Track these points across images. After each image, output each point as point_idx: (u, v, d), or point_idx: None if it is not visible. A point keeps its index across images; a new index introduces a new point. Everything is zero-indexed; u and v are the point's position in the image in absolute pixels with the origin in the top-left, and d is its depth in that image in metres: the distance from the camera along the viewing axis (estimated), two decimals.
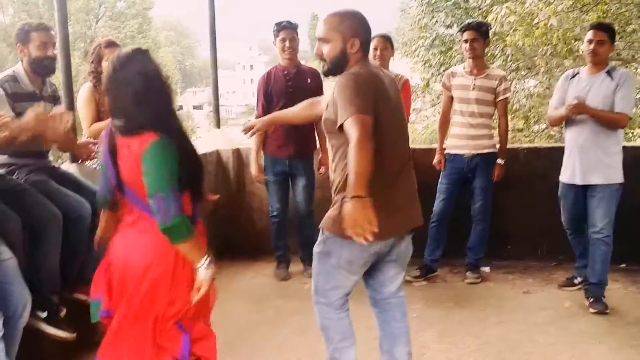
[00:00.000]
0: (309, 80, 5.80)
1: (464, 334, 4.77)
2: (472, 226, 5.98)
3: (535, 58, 12.26)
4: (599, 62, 5.15)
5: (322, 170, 6.06)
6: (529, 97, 14.34)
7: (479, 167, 5.80)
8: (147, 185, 2.80)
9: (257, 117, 5.69)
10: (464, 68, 5.90)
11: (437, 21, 17.41)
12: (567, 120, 5.27)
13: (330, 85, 3.30)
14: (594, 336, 4.68)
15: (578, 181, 5.20)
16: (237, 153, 6.98)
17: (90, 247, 4.13)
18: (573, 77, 5.31)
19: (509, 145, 6.08)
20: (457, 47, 15.45)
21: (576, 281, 5.64)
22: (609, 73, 5.11)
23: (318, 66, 3.68)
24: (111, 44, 4.90)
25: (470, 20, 6.47)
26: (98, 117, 4.85)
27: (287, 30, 5.85)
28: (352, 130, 2.90)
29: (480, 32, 5.75)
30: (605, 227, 5.11)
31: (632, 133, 12.13)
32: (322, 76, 5.40)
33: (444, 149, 6.00)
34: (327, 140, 3.34)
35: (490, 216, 5.94)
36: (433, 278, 6.05)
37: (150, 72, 2.87)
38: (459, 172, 5.88)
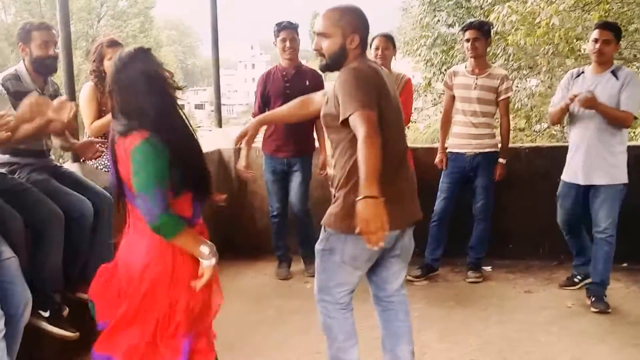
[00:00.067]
0: (307, 82, 5.75)
1: (466, 333, 4.77)
2: (474, 225, 5.98)
3: (537, 57, 12.26)
4: (605, 61, 5.13)
5: (324, 171, 6.04)
6: (530, 97, 14.34)
7: (481, 166, 5.80)
8: (134, 185, 2.81)
9: (253, 115, 5.75)
10: (465, 67, 5.89)
11: (438, 20, 17.41)
12: (572, 120, 5.26)
13: (332, 83, 3.30)
14: (596, 335, 4.68)
15: (581, 181, 5.18)
16: (238, 152, 6.96)
17: (93, 247, 4.15)
18: (577, 76, 5.28)
19: (510, 145, 6.07)
20: (458, 47, 15.45)
21: (577, 280, 5.63)
22: (614, 73, 5.09)
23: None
24: (113, 43, 4.91)
25: (472, 20, 6.48)
26: (100, 116, 4.87)
27: (287, 30, 5.85)
28: (359, 126, 2.90)
29: (482, 31, 5.74)
30: (608, 227, 5.10)
31: (634, 132, 12.11)
32: (323, 77, 5.40)
33: (446, 148, 6.00)
34: (326, 135, 3.32)
35: (491, 215, 5.94)
36: (434, 277, 6.05)
37: (152, 71, 2.87)
38: (461, 171, 5.88)
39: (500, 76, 5.76)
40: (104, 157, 4.71)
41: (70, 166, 4.70)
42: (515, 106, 13.34)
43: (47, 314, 3.79)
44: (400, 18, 27.72)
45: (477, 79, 5.74)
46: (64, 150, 4.88)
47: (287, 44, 5.84)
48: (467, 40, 5.76)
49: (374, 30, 5.89)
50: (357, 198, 2.74)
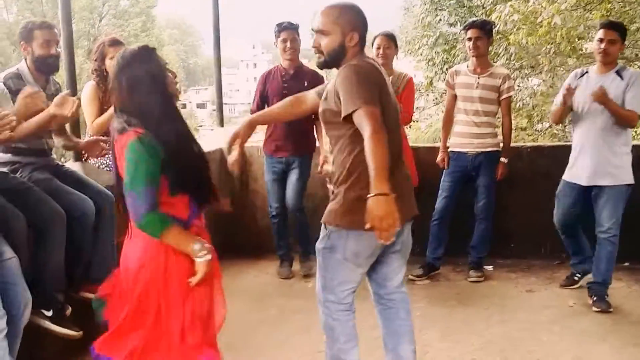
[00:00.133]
0: (306, 83, 5.68)
1: (467, 332, 4.77)
2: (475, 224, 5.98)
3: (539, 56, 12.24)
4: (610, 61, 5.11)
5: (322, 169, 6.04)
6: (532, 96, 14.33)
7: (483, 165, 5.79)
8: (124, 182, 2.82)
9: (251, 113, 5.70)
10: (467, 66, 5.89)
11: (440, 19, 17.38)
12: (575, 120, 5.25)
13: (331, 80, 3.30)
14: (598, 335, 4.68)
15: (585, 182, 5.17)
16: (241, 151, 6.96)
17: (95, 246, 4.15)
18: (581, 76, 5.26)
19: (512, 144, 6.07)
20: (460, 46, 15.42)
21: (576, 278, 5.64)
22: (618, 73, 5.08)
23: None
24: (115, 42, 4.92)
25: (474, 19, 6.48)
26: (101, 115, 4.86)
27: (287, 31, 5.85)
28: (365, 123, 2.91)
29: (484, 30, 5.74)
30: (612, 227, 5.09)
31: (635, 132, 12.10)
32: (324, 78, 5.40)
33: (448, 147, 5.99)
34: (324, 132, 3.32)
35: (493, 214, 5.94)
36: (436, 276, 6.05)
37: (154, 71, 2.87)
38: (462, 170, 5.88)
39: (502, 75, 5.76)
40: (108, 156, 4.71)
41: (71, 165, 4.71)
42: (517, 105, 13.32)
43: (50, 313, 3.79)
44: (402, 17, 27.71)
45: (479, 78, 5.74)
46: (66, 150, 4.89)
47: (288, 44, 5.84)
48: (469, 40, 5.76)
49: (376, 30, 5.92)
50: (369, 195, 2.74)
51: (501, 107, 5.81)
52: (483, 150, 5.77)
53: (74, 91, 4.73)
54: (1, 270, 3.31)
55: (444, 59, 16.89)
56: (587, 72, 5.28)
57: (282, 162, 5.98)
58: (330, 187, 3.36)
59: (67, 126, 4.48)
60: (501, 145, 5.87)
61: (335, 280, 3.35)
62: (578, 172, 5.21)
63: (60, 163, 4.52)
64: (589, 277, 5.41)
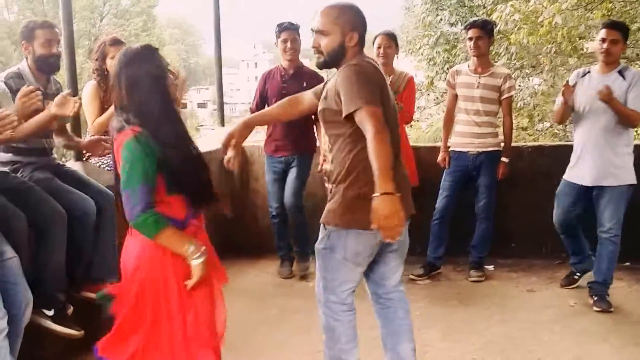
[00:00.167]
0: (305, 84, 5.65)
1: (468, 332, 4.77)
2: (476, 224, 5.98)
3: (540, 56, 12.22)
4: (612, 61, 5.10)
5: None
6: (533, 96, 14.30)
7: (484, 165, 5.79)
8: (121, 181, 2.82)
9: (251, 111, 5.90)
10: (468, 66, 5.89)
11: (441, 19, 17.38)
12: (577, 120, 5.23)
13: (331, 79, 3.30)
14: (598, 334, 4.68)
15: (588, 183, 5.15)
16: (242, 151, 6.96)
17: (96, 245, 4.15)
18: (583, 75, 5.25)
19: (513, 144, 6.07)
20: (461, 45, 15.42)
21: (576, 277, 5.64)
22: (620, 73, 5.07)
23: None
24: (116, 42, 4.92)
25: (475, 18, 6.47)
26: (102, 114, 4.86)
27: (288, 31, 5.85)
28: (367, 123, 2.93)
29: (485, 30, 5.73)
30: (613, 227, 5.09)
31: (636, 132, 12.09)
32: (325, 79, 5.42)
33: (448, 147, 5.99)
34: (323, 130, 3.32)
35: (494, 214, 5.94)
36: (437, 276, 6.05)
37: (155, 71, 2.87)
38: (463, 170, 5.88)
39: (503, 75, 5.76)
40: (109, 155, 4.72)
41: (72, 165, 4.71)
42: (518, 105, 13.29)
43: (51, 313, 3.80)
44: (403, 17, 27.73)
45: (479, 77, 5.73)
46: (67, 149, 4.89)
47: (288, 44, 5.84)
48: (470, 39, 5.76)
49: (377, 29, 5.92)
50: (374, 195, 2.75)
51: (502, 106, 5.80)
52: (484, 149, 5.76)
53: (74, 90, 4.73)
54: (2, 269, 3.31)
55: (445, 58, 16.89)
56: (589, 71, 5.27)
57: (282, 162, 5.97)
58: (328, 185, 3.36)
59: (68, 125, 4.49)
60: (502, 144, 5.87)
61: (337, 280, 3.35)
62: (580, 172, 5.19)
63: (61, 163, 4.53)
64: (588, 276, 5.41)
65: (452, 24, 17.38)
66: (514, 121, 6.22)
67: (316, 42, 3.28)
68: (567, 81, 5.15)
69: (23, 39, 4.16)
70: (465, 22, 7.25)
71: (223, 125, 7.63)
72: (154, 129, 2.80)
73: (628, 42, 5.32)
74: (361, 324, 3.56)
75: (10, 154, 4.07)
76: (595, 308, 5.11)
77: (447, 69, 14.45)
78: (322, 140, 3.40)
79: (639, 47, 11.65)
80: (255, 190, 6.97)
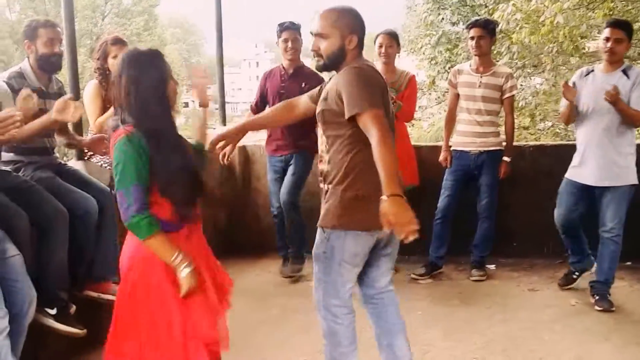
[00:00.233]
0: (303, 84, 5.70)
1: (469, 331, 4.77)
2: (478, 224, 5.98)
3: (542, 55, 12.21)
4: (616, 60, 5.08)
5: None
6: (535, 95, 14.27)
7: (486, 164, 5.79)
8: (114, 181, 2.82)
9: (251, 108, 6.06)
10: (470, 66, 5.89)
11: (443, 18, 17.36)
12: (579, 119, 5.22)
13: (332, 81, 3.31)
14: (600, 334, 4.68)
15: (591, 182, 5.14)
16: (243, 150, 6.99)
17: (98, 244, 4.16)
18: (587, 74, 5.24)
19: (515, 143, 6.08)
20: (463, 45, 15.42)
21: (574, 276, 5.60)
22: (624, 72, 5.05)
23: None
24: (117, 41, 4.93)
25: (477, 18, 6.47)
26: (104, 114, 4.87)
27: (289, 30, 5.86)
28: (371, 127, 2.95)
29: (487, 29, 5.73)
30: (615, 226, 5.08)
31: (638, 131, 12.09)
32: (325, 79, 5.43)
33: (450, 146, 5.99)
34: (321, 131, 3.32)
35: (495, 214, 5.94)
36: (438, 275, 6.05)
37: (157, 75, 2.86)
38: (465, 169, 5.88)
39: (504, 74, 5.76)
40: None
41: (74, 164, 4.71)
42: (520, 104, 13.26)
43: (53, 312, 3.81)
44: (404, 16, 27.75)
45: (481, 77, 5.73)
46: (69, 148, 4.90)
47: (289, 44, 5.85)
48: (472, 39, 5.75)
49: (379, 28, 5.92)
50: (383, 197, 2.76)
51: (504, 106, 5.80)
52: (486, 149, 5.76)
53: (76, 90, 4.74)
54: (5, 267, 3.32)
55: (447, 58, 16.88)
56: (592, 70, 5.25)
57: (282, 161, 5.98)
58: (323, 186, 3.36)
59: (70, 125, 4.49)
60: (504, 144, 5.87)
61: (338, 283, 3.36)
62: (584, 172, 5.17)
63: (62, 162, 4.53)
64: (586, 276, 5.42)
65: (453, 23, 17.38)
66: (515, 120, 6.22)
67: (315, 45, 3.29)
68: (566, 81, 5.13)
69: (26, 37, 4.17)
70: (467, 21, 7.26)
71: (224, 124, 7.62)
72: (147, 131, 2.80)
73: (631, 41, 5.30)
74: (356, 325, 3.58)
75: (12, 153, 4.08)
76: (596, 307, 5.11)
77: (449, 68, 14.43)
78: (319, 140, 3.39)
79: None
80: (256, 190, 6.98)
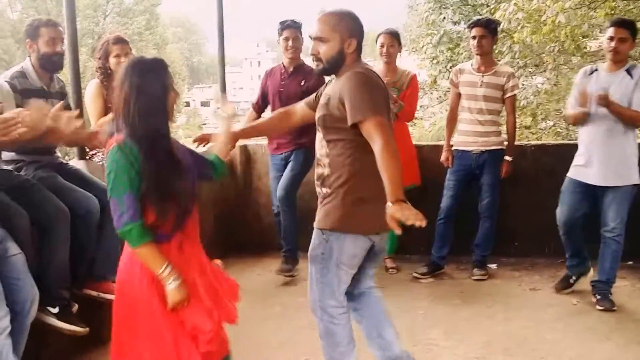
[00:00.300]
0: (302, 82, 5.75)
1: (471, 330, 4.77)
2: (479, 223, 5.97)
3: (543, 55, 12.22)
4: (620, 60, 5.06)
5: None
6: (536, 94, 14.27)
7: (487, 163, 5.79)
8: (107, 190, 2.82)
9: (253, 106, 6.09)
10: (471, 65, 5.88)
11: (444, 18, 17.39)
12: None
13: (333, 85, 3.30)
14: (601, 333, 4.68)
15: (594, 182, 5.11)
16: (244, 149, 6.99)
17: (99, 243, 4.16)
18: (591, 73, 5.21)
19: (516, 142, 6.08)
20: (464, 44, 15.42)
21: (571, 280, 5.53)
22: (628, 71, 5.02)
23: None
24: (119, 40, 4.93)
25: (478, 17, 6.47)
26: (106, 113, 4.87)
27: (290, 29, 5.85)
28: (376, 134, 2.99)
29: (489, 29, 5.74)
30: (617, 226, 5.07)
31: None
32: (324, 78, 5.44)
33: (452, 145, 5.99)
34: (321, 135, 3.32)
35: (497, 213, 5.94)
36: (440, 275, 6.05)
37: (158, 86, 2.83)
38: (467, 169, 5.88)
39: (506, 74, 5.75)
40: None
41: (75, 163, 4.71)
42: (521, 104, 13.27)
43: (55, 310, 3.81)
44: (406, 15, 27.77)
45: (483, 76, 5.73)
46: (70, 146, 4.90)
47: (290, 43, 5.84)
48: (474, 38, 5.75)
49: (381, 27, 5.92)
50: (389, 204, 2.83)
51: (505, 105, 5.81)
52: (487, 148, 5.76)
53: (78, 89, 4.74)
54: (7, 266, 3.32)
55: (448, 57, 16.89)
56: (596, 69, 5.22)
57: (283, 159, 5.97)
58: (321, 189, 3.35)
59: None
60: (505, 143, 5.87)
61: (335, 284, 3.39)
62: (589, 172, 5.14)
63: (64, 161, 4.54)
64: (583, 281, 5.43)
65: (455, 23, 17.41)
66: (517, 120, 6.21)
67: (315, 49, 3.30)
68: (584, 89, 5.04)
69: (28, 37, 4.18)
70: (469, 20, 7.26)
71: None
72: (139, 140, 2.78)
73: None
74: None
75: (13, 153, 4.08)
76: (598, 307, 5.11)
77: (450, 67, 14.47)
78: (318, 144, 3.39)
79: None
80: (258, 189, 6.98)
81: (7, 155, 4.06)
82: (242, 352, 4.32)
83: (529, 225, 6.39)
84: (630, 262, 5.95)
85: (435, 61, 17.56)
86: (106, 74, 4.91)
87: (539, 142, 8.69)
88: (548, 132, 15.13)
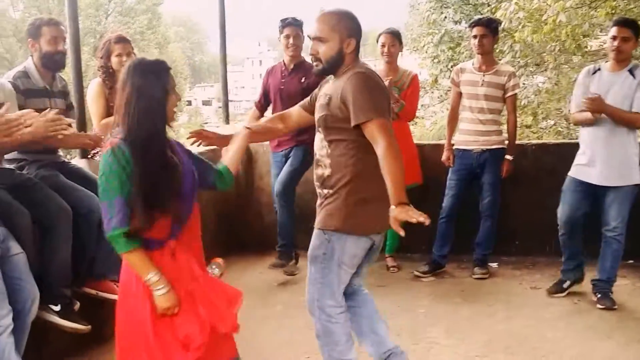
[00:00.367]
0: (303, 80, 5.76)
1: (472, 329, 4.78)
2: (480, 222, 5.98)
3: (544, 54, 12.23)
4: (623, 59, 5.04)
5: None
6: (537, 94, 14.28)
7: (488, 162, 5.79)
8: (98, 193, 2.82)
9: (255, 104, 6.09)
10: (472, 64, 5.89)
11: (446, 17, 17.39)
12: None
13: (335, 86, 3.31)
14: (602, 331, 4.68)
15: (596, 181, 5.10)
16: (246, 149, 6.98)
17: (100, 242, 4.17)
18: (594, 73, 5.18)
19: (517, 141, 6.08)
20: (465, 43, 15.42)
21: (565, 286, 5.45)
22: (631, 71, 5.01)
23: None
24: (121, 40, 4.94)
25: (479, 16, 6.46)
26: (108, 112, 4.87)
27: (291, 27, 5.85)
28: (379, 136, 3.01)
29: (489, 28, 5.74)
30: (618, 225, 5.07)
31: None
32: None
33: (453, 145, 6.00)
34: (322, 136, 3.32)
35: (498, 212, 5.95)
36: (441, 273, 6.06)
37: (159, 88, 2.81)
38: (468, 168, 5.88)
39: (507, 73, 5.76)
40: None
41: (77, 162, 4.73)
42: (522, 103, 13.28)
43: (57, 308, 3.82)
44: (407, 14, 27.76)
45: (484, 75, 5.73)
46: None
47: (291, 40, 5.85)
48: (475, 37, 5.76)
49: (382, 27, 5.93)
50: (392, 207, 2.87)
51: (506, 104, 5.81)
52: (488, 147, 5.76)
53: (80, 88, 4.76)
54: (9, 265, 3.33)
55: (449, 56, 16.89)
56: (599, 69, 5.20)
57: (284, 156, 5.97)
58: (322, 190, 3.36)
59: (73, 124, 4.49)
60: (506, 142, 5.87)
61: (334, 284, 3.40)
62: (592, 171, 5.12)
63: (66, 160, 4.55)
64: (577, 287, 5.44)
65: (456, 22, 17.42)
66: (518, 119, 6.21)
67: (314, 49, 3.30)
68: (598, 95, 4.99)
69: (30, 36, 4.19)
70: (470, 20, 7.24)
71: (228, 122, 7.64)
72: (134, 142, 2.76)
73: None
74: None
75: (15, 152, 4.08)
76: (599, 306, 5.11)
77: (451, 66, 14.45)
78: (318, 145, 3.39)
79: None
80: (259, 188, 6.99)
81: (9, 153, 4.07)
82: (243, 350, 4.31)
83: (529, 224, 6.39)
84: (630, 261, 5.95)
85: (436, 60, 17.55)
86: (108, 73, 4.92)
87: (540, 141, 8.68)
88: (549, 131, 15.14)
